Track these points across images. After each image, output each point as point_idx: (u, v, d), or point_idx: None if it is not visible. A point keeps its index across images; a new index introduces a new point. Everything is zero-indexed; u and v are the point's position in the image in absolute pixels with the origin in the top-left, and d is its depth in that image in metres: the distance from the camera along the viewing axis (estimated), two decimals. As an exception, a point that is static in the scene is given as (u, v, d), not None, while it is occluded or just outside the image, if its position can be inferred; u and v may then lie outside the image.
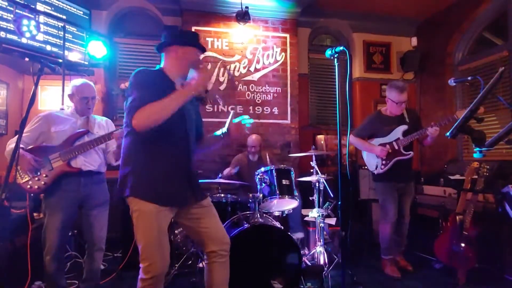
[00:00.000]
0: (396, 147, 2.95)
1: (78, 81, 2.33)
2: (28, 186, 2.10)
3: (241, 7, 4.08)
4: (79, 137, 2.24)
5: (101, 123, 2.43)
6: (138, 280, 1.62)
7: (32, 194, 2.22)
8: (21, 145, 2.09)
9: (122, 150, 1.72)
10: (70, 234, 2.97)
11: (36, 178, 2.10)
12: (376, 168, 3.04)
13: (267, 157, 3.21)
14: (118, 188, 1.70)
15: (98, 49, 3.61)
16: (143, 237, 1.61)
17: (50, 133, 2.19)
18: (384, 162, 2.99)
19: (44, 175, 2.12)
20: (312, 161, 2.99)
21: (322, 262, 2.78)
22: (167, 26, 1.83)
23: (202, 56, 2.30)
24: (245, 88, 4.25)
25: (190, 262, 2.99)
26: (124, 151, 1.70)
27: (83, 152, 2.20)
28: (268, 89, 4.31)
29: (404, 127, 2.97)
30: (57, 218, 2.15)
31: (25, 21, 2.85)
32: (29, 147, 2.15)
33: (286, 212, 2.88)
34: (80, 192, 2.24)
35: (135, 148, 1.65)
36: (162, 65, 1.81)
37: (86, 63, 3.67)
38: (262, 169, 2.77)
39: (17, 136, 2.18)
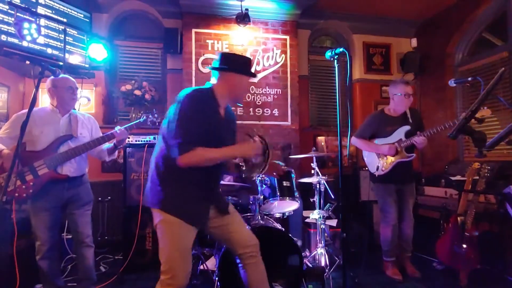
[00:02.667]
0: (398, 149, 2.92)
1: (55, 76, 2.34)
2: (16, 194, 2.11)
3: (241, 9, 4.09)
4: (63, 141, 2.24)
5: (84, 122, 2.42)
6: None
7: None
8: (2, 146, 2.10)
9: (155, 159, 1.74)
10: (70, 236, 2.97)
11: (24, 186, 2.11)
12: (377, 170, 3.00)
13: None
14: (147, 196, 1.73)
15: (98, 52, 3.62)
16: (168, 249, 1.63)
17: (32, 136, 2.17)
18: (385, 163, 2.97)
19: (31, 183, 2.12)
20: (312, 162, 2.99)
21: (323, 264, 2.77)
22: (224, 53, 1.85)
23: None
24: (245, 90, 4.25)
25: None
26: (158, 163, 1.71)
27: (69, 159, 2.22)
28: (268, 91, 4.31)
29: (406, 128, 2.93)
30: (44, 219, 2.18)
31: (26, 24, 2.86)
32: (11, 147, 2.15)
33: (287, 214, 2.87)
34: (64, 195, 2.26)
35: (169, 164, 1.66)
36: (214, 84, 1.82)
37: (87, 66, 3.67)
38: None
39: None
